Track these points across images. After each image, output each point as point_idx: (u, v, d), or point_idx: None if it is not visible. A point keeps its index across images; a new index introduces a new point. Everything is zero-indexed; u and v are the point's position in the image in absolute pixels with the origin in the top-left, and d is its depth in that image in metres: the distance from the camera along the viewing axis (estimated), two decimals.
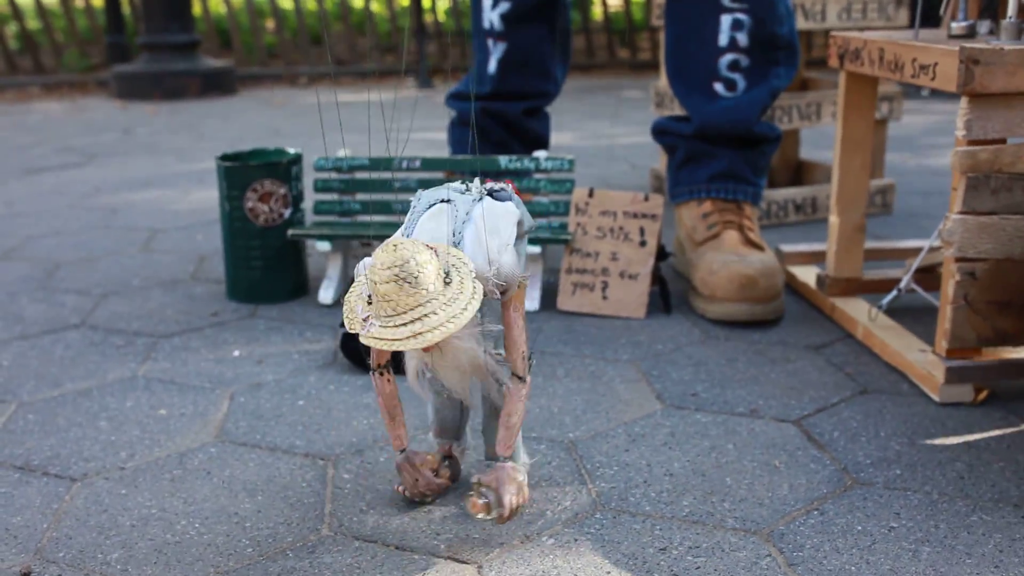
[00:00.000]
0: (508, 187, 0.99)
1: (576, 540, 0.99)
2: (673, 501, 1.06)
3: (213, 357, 1.48)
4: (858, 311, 1.54)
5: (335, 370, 1.42)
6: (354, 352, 1.41)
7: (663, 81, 2.37)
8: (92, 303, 1.74)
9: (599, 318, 1.62)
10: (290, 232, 1.69)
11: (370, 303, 0.84)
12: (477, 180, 0.98)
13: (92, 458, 1.17)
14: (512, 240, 0.94)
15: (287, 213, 1.70)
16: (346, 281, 1.77)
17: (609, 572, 0.93)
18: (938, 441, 1.19)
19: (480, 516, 0.96)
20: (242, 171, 1.67)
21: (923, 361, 1.34)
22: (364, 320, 0.85)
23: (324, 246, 1.70)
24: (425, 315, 0.82)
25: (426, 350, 0.87)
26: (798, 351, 1.47)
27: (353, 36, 5.97)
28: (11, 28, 6.02)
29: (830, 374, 1.39)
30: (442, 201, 0.96)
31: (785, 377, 1.38)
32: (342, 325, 1.44)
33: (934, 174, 2.74)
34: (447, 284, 0.84)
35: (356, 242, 1.78)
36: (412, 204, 0.98)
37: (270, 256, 1.70)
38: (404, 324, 0.82)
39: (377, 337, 0.83)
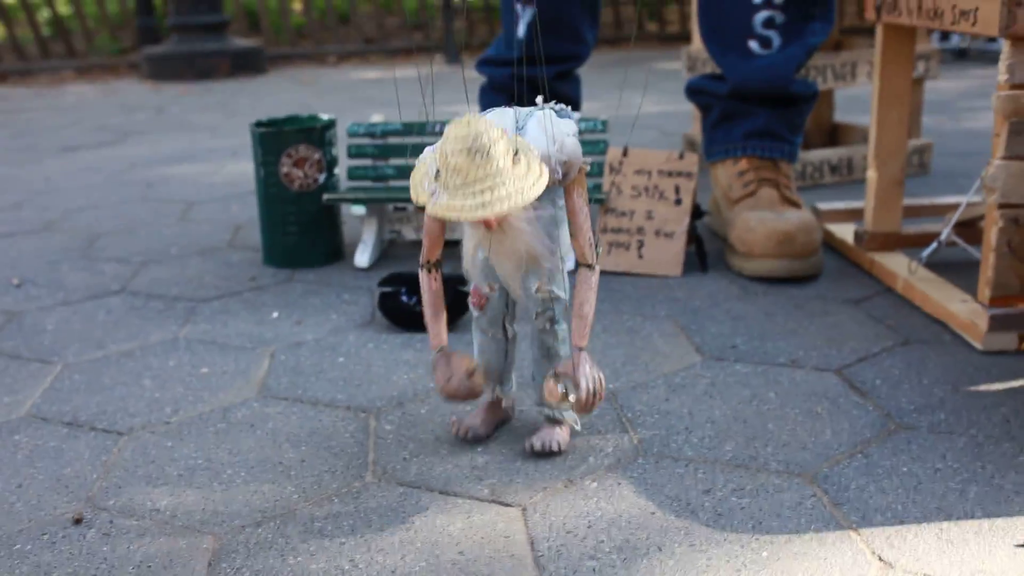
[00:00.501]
0: (568, 108, 1.01)
1: (619, 484, 0.99)
2: (715, 446, 1.06)
3: (252, 319, 1.49)
4: (897, 265, 1.53)
5: (374, 329, 1.43)
6: (392, 311, 1.42)
7: (695, 46, 2.35)
8: (132, 271, 1.76)
9: (635, 277, 1.62)
10: (325, 197, 1.70)
11: (437, 179, 0.85)
12: (539, 98, 1.00)
13: (137, 414, 1.19)
14: (574, 132, 0.95)
15: (321, 178, 1.71)
16: (381, 245, 1.78)
17: (653, 513, 0.93)
18: (982, 387, 1.18)
19: (557, 404, 0.98)
20: (277, 136, 1.68)
21: (965, 310, 1.33)
22: (431, 194, 0.86)
23: (359, 210, 1.71)
24: (494, 186, 0.84)
25: (487, 227, 0.88)
26: (837, 305, 1.46)
27: (381, 15, 5.97)
28: (43, 14, 6.07)
29: (870, 326, 1.38)
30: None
31: (825, 329, 1.37)
32: (380, 284, 1.45)
33: (972, 136, 2.70)
34: (516, 163, 0.86)
35: (391, 206, 1.79)
36: None
37: (305, 221, 1.71)
38: (473, 195, 0.84)
39: (446, 207, 0.84)
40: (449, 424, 1.12)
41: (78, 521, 0.95)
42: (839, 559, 0.85)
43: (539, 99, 1.00)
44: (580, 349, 0.97)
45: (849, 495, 0.95)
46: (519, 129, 0.94)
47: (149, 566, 0.88)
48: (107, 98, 4.31)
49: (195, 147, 3.00)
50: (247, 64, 4.97)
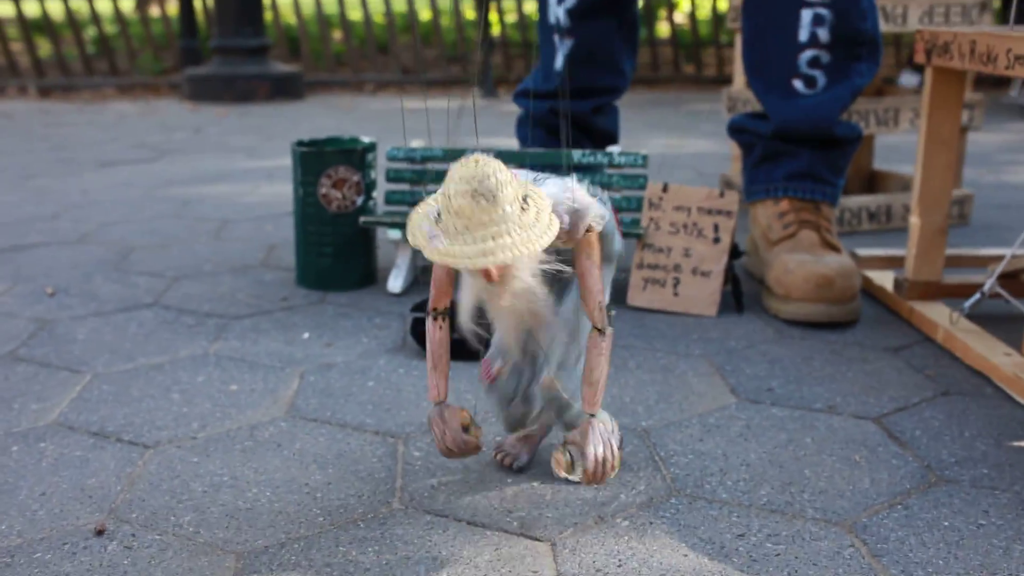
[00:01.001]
0: (605, 193, 0.94)
1: (651, 523, 0.96)
2: (750, 490, 1.03)
3: (283, 338, 1.48)
4: (938, 314, 1.50)
5: (404, 354, 1.42)
6: (424, 336, 1.40)
7: (736, 87, 2.34)
8: (164, 285, 1.76)
9: (670, 315, 1.60)
10: (362, 219, 1.69)
11: (438, 222, 0.80)
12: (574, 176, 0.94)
13: (164, 427, 1.18)
14: (604, 216, 0.89)
15: (359, 200, 1.71)
16: (414, 271, 1.77)
17: (686, 555, 0.91)
18: None
19: (564, 475, 0.92)
20: (317, 157, 1.68)
21: (1009, 364, 1.30)
22: (430, 237, 0.80)
23: (395, 234, 1.70)
24: (498, 234, 0.78)
25: (487, 278, 0.81)
26: (876, 352, 1.44)
27: (420, 46, 6.02)
28: (89, 32, 6.17)
29: (909, 375, 1.35)
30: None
31: (863, 376, 1.34)
32: (412, 309, 1.44)
33: (1013, 188, 2.67)
34: (524, 209, 0.80)
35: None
36: None
37: (341, 243, 1.70)
38: (475, 241, 0.78)
39: (444, 252, 0.79)
40: (493, 455, 1.08)
41: (100, 532, 0.94)
42: None
43: (573, 176, 0.92)
44: (591, 416, 0.93)
45: (889, 547, 0.93)
46: (536, 180, 0.88)
47: None
48: (147, 116, 4.36)
49: (231, 167, 3.02)
50: (286, 89, 5.02)
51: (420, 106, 4.66)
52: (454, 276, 0.93)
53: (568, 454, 0.92)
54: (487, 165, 0.78)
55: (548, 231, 0.80)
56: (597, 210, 0.88)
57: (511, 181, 0.79)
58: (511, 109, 4.23)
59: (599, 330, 0.92)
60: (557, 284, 0.95)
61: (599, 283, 0.90)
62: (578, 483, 0.92)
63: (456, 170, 0.79)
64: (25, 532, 0.94)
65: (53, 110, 4.60)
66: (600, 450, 0.91)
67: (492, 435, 1.13)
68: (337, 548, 0.92)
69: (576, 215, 0.86)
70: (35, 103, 4.92)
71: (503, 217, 0.78)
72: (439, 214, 0.80)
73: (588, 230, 0.88)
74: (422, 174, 1.77)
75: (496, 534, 0.95)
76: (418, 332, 1.41)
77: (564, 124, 1.97)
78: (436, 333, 0.95)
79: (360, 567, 0.89)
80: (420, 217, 0.82)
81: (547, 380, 0.97)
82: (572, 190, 0.86)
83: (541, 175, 0.91)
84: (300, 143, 1.73)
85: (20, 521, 0.96)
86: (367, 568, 0.89)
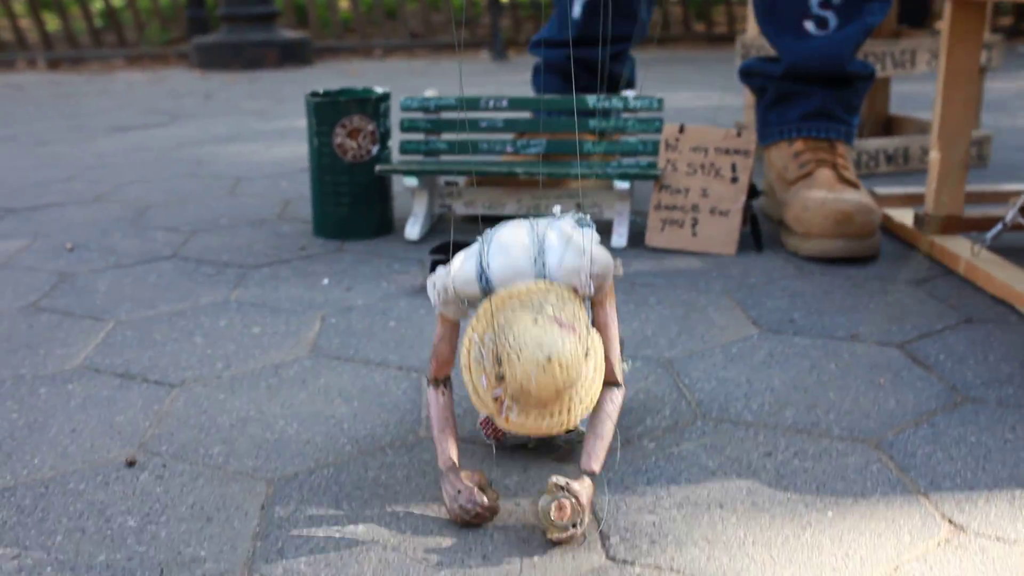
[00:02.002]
0: (588, 218, 0.89)
1: (678, 444, 0.97)
2: (775, 412, 1.03)
3: (303, 285, 1.48)
4: (960, 247, 1.49)
5: (425, 296, 1.42)
6: None
7: (749, 35, 2.32)
8: (182, 238, 1.76)
9: (689, 254, 1.60)
10: (378, 168, 1.69)
11: (501, 384, 0.76)
12: (557, 207, 0.91)
13: (189, 368, 1.19)
14: (597, 240, 0.85)
15: (375, 150, 1.70)
16: (431, 219, 1.77)
17: (713, 473, 0.91)
18: None
19: (559, 524, 0.79)
20: (332, 107, 1.67)
21: None
22: (496, 400, 0.77)
23: (411, 181, 1.70)
24: (571, 406, 0.76)
25: None
26: (897, 285, 1.43)
27: (427, 11, 5.98)
28: (96, 5, 6.16)
29: (932, 305, 1.34)
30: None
31: (885, 307, 1.34)
32: (432, 252, 1.44)
33: None
34: (586, 359, 0.77)
35: (442, 180, 1.78)
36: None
37: (358, 192, 1.70)
38: (550, 415, 0.76)
39: (519, 424, 0.76)
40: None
41: (131, 464, 0.95)
42: (908, 521, 0.82)
43: (557, 208, 0.90)
44: (592, 475, 0.83)
45: (916, 461, 0.93)
46: (539, 246, 0.84)
47: (203, 507, 0.87)
48: (156, 84, 4.36)
49: (243, 129, 3.02)
50: (294, 55, 5.00)
51: (429, 68, 4.64)
52: (455, 349, 0.89)
53: (571, 502, 0.79)
54: (566, 369, 0.74)
55: (600, 369, 0.79)
56: (611, 262, 0.85)
57: (573, 341, 0.75)
58: (522, 72, 4.22)
59: (616, 384, 0.87)
60: None
61: (617, 335, 0.87)
62: (555, 536, 0.80)
63: (527, 363, 0.74)
64: (57, 465, 0.95)
65: (63, 81, 4.61)
66: (586, 520, 0.81)
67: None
68: (366, 473, 0.92)
69: (598, 279, 0.84)
70: (45, 75, 4.92)
71: (574, 386, 0.76)
72: (500, 377, 0.76)
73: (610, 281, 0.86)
74: (437, 123, 1.76)
75: (524, 454, 0.95)
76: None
77: (580, 70, 1.96)
78: (440, 399, 0.88)
79: (390, 490, 0.89)
80: (475, 373, 0.79)
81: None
82: (591, 252, 0.83)
83: (540, 224, 0.86)
84: (314, 94, 1.73)
85: (52, 455, 0.97)
86: (397, 491, 0.89)
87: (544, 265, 0.83)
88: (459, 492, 0.83)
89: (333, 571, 0.77)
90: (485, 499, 0.83)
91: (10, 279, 1.54)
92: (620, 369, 0.87)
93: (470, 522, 0.83)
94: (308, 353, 1.22)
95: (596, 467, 0.84)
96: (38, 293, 1.47)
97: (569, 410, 0.77)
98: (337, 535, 0.82)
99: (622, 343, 1.01)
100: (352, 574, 0.76)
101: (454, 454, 0.86)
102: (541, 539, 0.80)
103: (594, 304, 0.87)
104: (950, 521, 0.82)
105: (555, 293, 0.80)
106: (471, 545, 0.80)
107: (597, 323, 0.87)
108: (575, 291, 0.83)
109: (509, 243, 0.85)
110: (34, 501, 0.89)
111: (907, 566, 0.76)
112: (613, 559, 0.78)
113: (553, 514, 0.79)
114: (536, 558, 0.78)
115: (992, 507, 0.85)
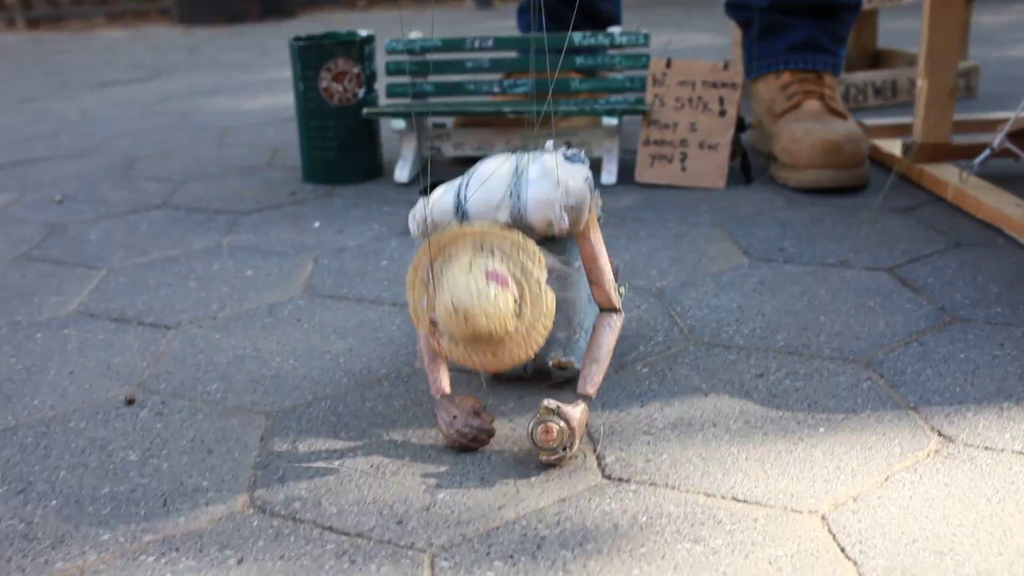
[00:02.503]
0: (581, 153, 0.90)
1: (671, 368, 0.98)
2: (767, 336, 1.04)
3: (294, 229, 1.49)
4: (948, 174, 1.50)
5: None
6: None
7: None
8: (172, 188, 1.76)
9: (678, 189, 1.60)
10: (365, 111, 1.68)
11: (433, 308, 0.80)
12: (550, 142, 0.91)
13: (184, 310, 1.19)
14: (587, 177, 0.85)
15: (361, 93, 1.69)
16: (420, 161, 1.77)
17: (707, 394, 0.92)
18: None
19: (546, 446, 0.80)
20: (316, 50, 1.66)
21: (1021, 214, 1.30)
22: (432, 323, 0.80)
23: (399, 124, 1.69)
24: (498, 352, 0.78)
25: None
26: (886, 213, 1.44)
27: None
28: None
29: (921, 231, 1.35)
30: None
31: (874, 234, 1.35)
32: (422, 193, 1.44)
33: (1020, 63, 2.64)
34: (518, 315, 0.77)
35: (430, 122, 1.77)
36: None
37: (345, 136, 1.70)
38: (483, 352, 0.78)
39: (458, 354, 0.78)
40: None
41: (130, 402, 0.96)
42: (898, 434, 0.84)
43: (550, 143, 0.90)
44: (587, 398, 0.84)
45: (906, 378, 0.94)
46: (519, 176, 0.84)
47: (203, 440, 0.88)
48: (139, 41, 4.31)
49: (228, 81, 3.00)
50: (277, 8, 4.95)
51: (413, 18, 4.60)
52: None
53: (559, 426, 0.80)
54: (485, 313, 0.75)
55: (544, 319, 0.78)
56: (589, 196, 0.84)
57: (502, 305, 0.76)
58: (506, 18, 4.19)
59: (614, 310, 0.87)
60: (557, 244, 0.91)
61: (607, 263, 0.87)
62: (545, 458, 0.81)
63: (450, 305, 0.76)
64: (57, 406, 0.96)
65: (43, 40, 4.55)
66: (578, 443, 0.82)
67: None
68: (363, 404, 0.93)
69: (573, 211, 0.83)
70: (24, 34, 4.87)
71: (494, 338, 0.76)
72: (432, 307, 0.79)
73: (590, 211, 0.85)
74: (423, 65, 1.75)
75: (519, 383, 0.96)
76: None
77: (564, 7, 1.95)
78: (430, 340, 0.85)
79: (387, 419, 0.90)
80: (417, 290, 0.82)
81: (558, 361, 0.93)
82: (564, 184, 0.82)
83: (526, 157, 0.86)
84: (298, 38, 1.71)
85: (51, 396, 0.98)
86: (394, 420, 0.90)
87: (519, 197, 0.83)
88: (454, 417, 0.84)
89: (334, 496, 0.78)
90: (480, 422, 0.84)
91: (0, 231, 1.54)
92: (616, 295, 0.88)
93: (467, 445, 0.84)
94: (302, 293, 1.23)
95: (591, 391, 0.84)
96: (29, 244, 1.47)
97: (496, 355, 0.77)
98: (337, 463, 0.83)
99: (619, 270, 1.01)
100: (353, 499, 0.78)
101: (446, 383, 0.87)
102: (538, 462, 0.82)
103: (579, 238, 0.87)
104: (939, 433, 0.84)
105: (511, 241, 0.80)
106: (469, 468, 0.82)
107: (584, 256, 0.87)
108: (551, 237, 0.83)
109: (488, 175, 0.85)
110: (36, 439, 0.89)
111: (898, 476, 0.78)
112: (609, 477, 0.79)
113: (539, 437, 0.80)
114: (533, 479, 0.80)
115: (980, 419, 0.86)
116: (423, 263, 0.82)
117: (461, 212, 0.84)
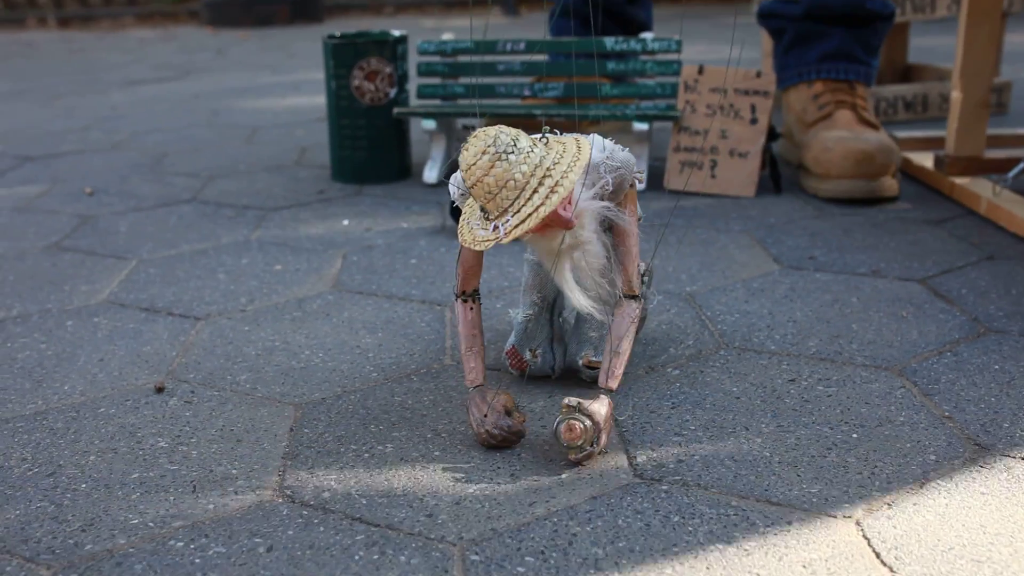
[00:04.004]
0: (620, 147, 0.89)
1: (702, 371, 0.97)
2: (799, 342, 1.03)
3: (323, 226, 1.49)
4: (981, 188, 1.49)
5: (445, 236, 1.42)
6: None
7: None
8: (201, 183, 1.76)
9: (708, 196, 1.59)
10: (396, 110, 1.69)
11: (486, 215, 0.77)
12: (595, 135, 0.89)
13: (213, 302, 1.19)
14: (628, 153, 0.86)
15: (392, 92, 1.70)
16: (449, 162, 1.77)
17: (738, 398, 0.92)
18: None
19: (572, 444, 0.79)
20: (349, 48, 1.66)
21: None
22: (493, 229, 0.76)
23: (429, 124, 1.70)
24: (543, 176, 0.76)
25: (567, 226, 0.78)
26: (917, 224, 1.43)
27: None
28: None
29: (953, 243, 1.34)
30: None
31: (906, 245, 1.34)
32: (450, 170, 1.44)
33: None
34: (547, 145, 0.78)
35: (459, 123, 1.77)
36: None
37: (375, 136, 1.70)
38: (525, 203, 0.75)
39: (516, 226, 0.75)
40: (504, 356, 0.98)
41: (160, 390, 0.96)
42: (933, 442, 0.83)
43: (595, 136, 0.88)
44: (610, 392, 0.83)
45: (940, 387, 0.93)
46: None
47: (232, 429, 0.88)
48: (168, 41, 4.34)
49: (257, 82, 3.01)
50: (305, 12, 4.98)
51: (440, 26, 4.61)
52: (482, 258, 0.88)
53: (582, 423, 0.79)
54: (487, 131, 0.76)
55: (580, 149, 0.78)
56: (634, 164, 0.85)
57: (519, 131, 0.76)
58: (533, 28, 4.20)
59: (634, 296, 0.86)
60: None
61: (637, 246, 0.86)
62: (573, 456, 0.80)
63: (466, 155, 0.76)
64: (87, 392, 0.96)
65: (74, 38, 4.59)
66: (606, 438, 0.82)
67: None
68: (393, 398, 0.93)
69: (618, 173, 0.83)
70: (55, 33, 4.91)
71: (537, 157, 0.76)
72: (482, 210, 0.77)
73: (631, 185, 0.86)
74: (454, 67, 1.75)
75: (549, 382, 0.96)
76: (458, 213, 1.41)
77: (597, 13, 1.95)
78: (468, 315, 0.87)
79: (417, 413, 0.90)
80: (470, 222, 0.80)
81: (588, 360, 0.93)
82: (611, 149, 0.83)
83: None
84: (331, 36, 1.72)
85: (81, 383, 0.98)
86: (424, 414, 0.90)
87: None
88: (485, 416, 0.83)
89: (363, 487, 0.78)
90: (511, 422, 0.83)
91: (31, 221, 1.55)
92: (637, 280, 0.86)
93: (496, 446, 0.83)
94: (331, 288, 1.23)
95: (613, 384, 0.84)
96: (60, 234, 1.48)
97: (543, 181, 0.75)
98: (366, 455, 0.83)
99: (651, 273, 1.01)
100: (383, 491, 0.77)
101: (481, 373, 0.86)
102: (568, 460, 0.81)
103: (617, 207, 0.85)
104: (975, 442, 0.83)
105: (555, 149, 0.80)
106: (499, 465, 0.81)
107: (616, 230, 0.85)
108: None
109: None
110: (66, 424, 0.90)
111: (933, 484, 0.77)
112: (641, 477, 0.79)
113: (563, 435, 0.79)
114: (564, 476, 0.79)
115: (1017, 430, 0.85)
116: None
117: None
